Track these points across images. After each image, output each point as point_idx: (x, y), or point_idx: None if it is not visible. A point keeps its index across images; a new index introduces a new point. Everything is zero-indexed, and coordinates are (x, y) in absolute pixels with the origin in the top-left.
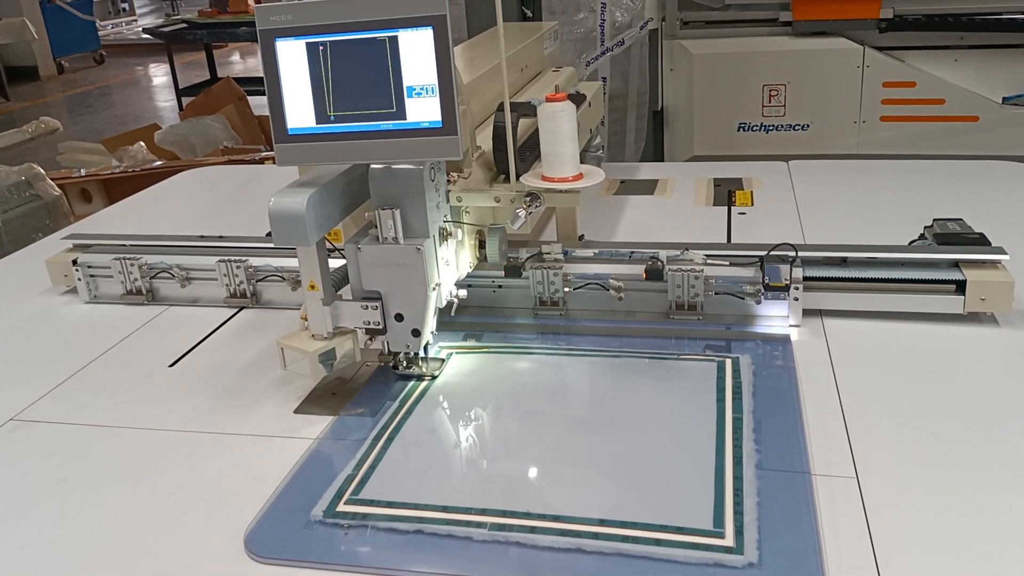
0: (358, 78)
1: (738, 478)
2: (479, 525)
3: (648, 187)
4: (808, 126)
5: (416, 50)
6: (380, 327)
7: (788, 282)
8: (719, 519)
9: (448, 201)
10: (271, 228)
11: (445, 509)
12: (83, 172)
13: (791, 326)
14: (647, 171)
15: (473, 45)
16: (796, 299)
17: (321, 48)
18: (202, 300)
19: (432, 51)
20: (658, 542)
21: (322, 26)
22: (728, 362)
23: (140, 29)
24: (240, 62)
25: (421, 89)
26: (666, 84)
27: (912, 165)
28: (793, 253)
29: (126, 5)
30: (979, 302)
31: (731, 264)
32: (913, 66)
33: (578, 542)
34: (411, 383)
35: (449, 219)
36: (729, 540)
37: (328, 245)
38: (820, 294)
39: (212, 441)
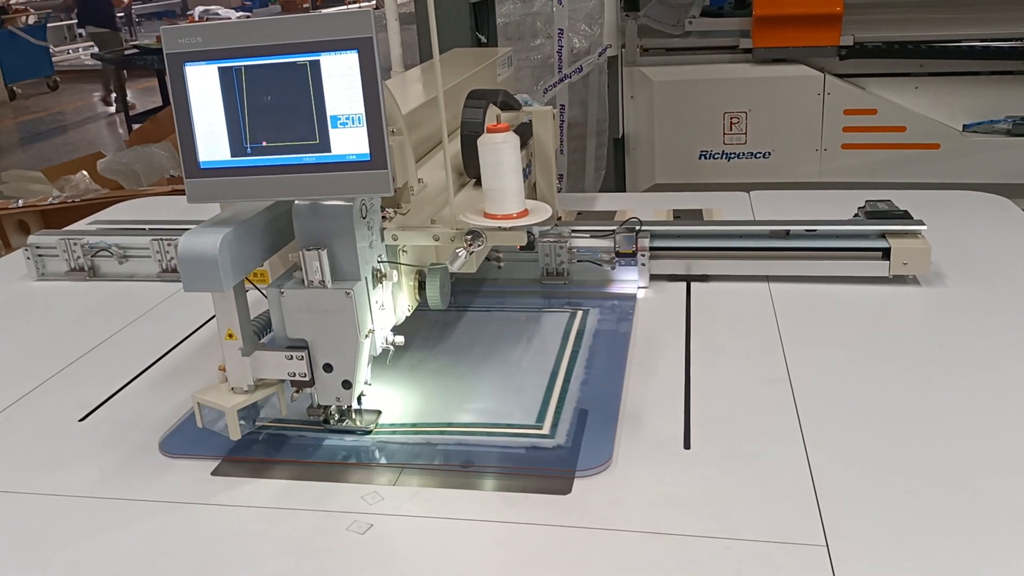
0: (277, 106)
1: (564, 391)
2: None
3: (607, 218)
4: (770, 154)
5: (340, 76)
6: (307, 379)
7: (635, 249)
8: (541, 416)
9: (383, 240)
10: (179, 271)
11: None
12: (20, 203)
13: (640, 287)
14: (605, 202)
15: (427, 70)
16: (643, 264)
17: (235, 73)
18: (138, 276)
19: (358, 77)
20: (490, 434)
21: (236, 49)
22: (579, 313)
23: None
24: None
25: (347, 119)
26: (626, 111)
27: (875, 195)
28: (639, 225)
29: (83, 31)
30: (902, 266)
31: (591, 236)
32: (874, 93)
33: (427, 438)
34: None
35: (384, 259)
36: (545, 430)
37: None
38: (768, 262)
39: (116, 509)
